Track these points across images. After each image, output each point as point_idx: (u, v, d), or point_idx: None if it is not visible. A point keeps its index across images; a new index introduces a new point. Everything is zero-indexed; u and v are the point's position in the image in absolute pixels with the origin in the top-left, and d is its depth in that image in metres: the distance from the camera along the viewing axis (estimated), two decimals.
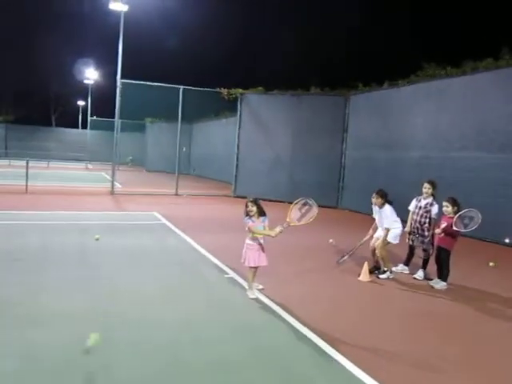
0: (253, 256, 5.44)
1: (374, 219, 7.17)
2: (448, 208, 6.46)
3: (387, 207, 6.87)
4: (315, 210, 5.34)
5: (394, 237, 6.88)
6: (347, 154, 16.10)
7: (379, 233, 7.03)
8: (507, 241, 9.32)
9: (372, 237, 7.11)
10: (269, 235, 5.36)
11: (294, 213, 5.34)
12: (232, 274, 6.46)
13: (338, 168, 16.28)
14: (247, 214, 5.45)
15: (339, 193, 16.26)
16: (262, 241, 5.50)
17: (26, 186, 15.35)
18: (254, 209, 5.41)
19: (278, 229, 5.24)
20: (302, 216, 5.32)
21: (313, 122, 16.55)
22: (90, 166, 37.03)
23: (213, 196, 18.30)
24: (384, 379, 3.61)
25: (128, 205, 13.90)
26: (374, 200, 6.97)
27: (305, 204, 5.37)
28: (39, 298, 5.13)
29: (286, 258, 7.66)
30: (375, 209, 7.06)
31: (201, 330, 4.45)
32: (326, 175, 16.33)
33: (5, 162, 33.11)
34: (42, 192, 15.45)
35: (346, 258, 7.09)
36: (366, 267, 6.68)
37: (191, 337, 4.28)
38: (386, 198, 6.90)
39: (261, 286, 5.79)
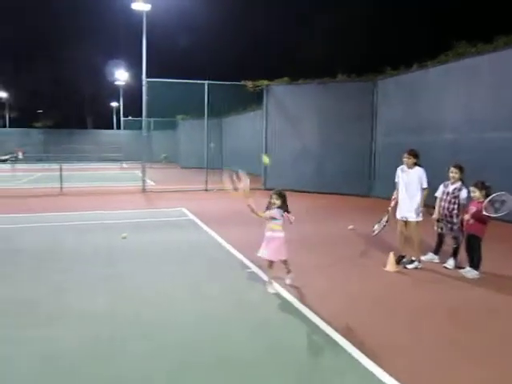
0: (278, 249, 5.39)
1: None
2: (475, 193, 6.14)
3: (418, 168, 6.56)
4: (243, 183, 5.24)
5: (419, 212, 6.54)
6: (377, 140, 15.65)
7: (404, 210, 6.63)
8: None
9: (395, 210, 6.78)
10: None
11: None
12: (254, 268, 6.40)
13: (368, 155, 15.85)
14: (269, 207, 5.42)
15: (371, 180, 15.87)
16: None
17: (61, 187, 15.82)
18: (278, 202, 5.36)
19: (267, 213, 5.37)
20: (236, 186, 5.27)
21: (340, 110, 16.17)
22: (125, 166, 37.75)
23: None
24: (404, 377, 3.47)
25: (158, 202, 14.09)
26: (405, 160, 6.64)
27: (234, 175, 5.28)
28: (62, 297, 5.24)
29: (308, 248, 7.52)
30: (403, 170, 6.70)
31: (219, 328, 4.42)
32: (355, 163, 15.95)
33: (44, 165, 34.31)
34: (76, 193, 15.88)
35: (379, 226, 6.97)
36: (391, 257, 6.45)
37: (210, 335, 4.25)
38: (418, 159, 6.60)
39: (289, 281, 5.67)
